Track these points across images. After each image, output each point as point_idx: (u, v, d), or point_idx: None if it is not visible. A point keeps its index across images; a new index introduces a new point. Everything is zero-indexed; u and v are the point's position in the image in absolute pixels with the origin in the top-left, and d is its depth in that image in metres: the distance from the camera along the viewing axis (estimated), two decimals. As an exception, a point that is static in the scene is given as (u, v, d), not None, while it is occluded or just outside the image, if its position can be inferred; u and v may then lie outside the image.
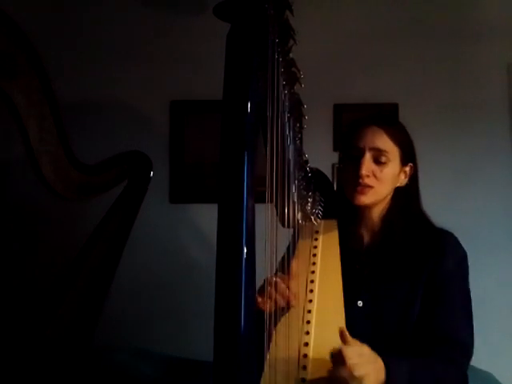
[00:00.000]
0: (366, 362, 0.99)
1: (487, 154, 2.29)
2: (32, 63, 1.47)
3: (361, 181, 1.26)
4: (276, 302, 1.11)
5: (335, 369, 0.97)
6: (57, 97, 1.55)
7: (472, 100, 2.30)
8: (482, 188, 2.28)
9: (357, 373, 0.96)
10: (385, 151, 1.27)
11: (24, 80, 1.47)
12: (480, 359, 1.93)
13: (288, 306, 1.16)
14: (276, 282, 1.12)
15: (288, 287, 1.14)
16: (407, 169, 1.32)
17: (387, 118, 1.36)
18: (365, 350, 1.01)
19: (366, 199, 1.28)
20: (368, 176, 1.26)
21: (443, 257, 1.23)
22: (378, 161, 1.27)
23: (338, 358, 0.97)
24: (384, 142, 1.27)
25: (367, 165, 1.26)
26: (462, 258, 1.27)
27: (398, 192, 1.33)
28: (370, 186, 1.27)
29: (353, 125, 1.36)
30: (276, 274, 1.12)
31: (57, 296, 1.64)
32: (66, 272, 1.68)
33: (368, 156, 1.27)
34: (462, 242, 1.29)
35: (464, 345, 1.19)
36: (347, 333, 1.00)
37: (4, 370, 1.47)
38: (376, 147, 1.27)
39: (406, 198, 1.33)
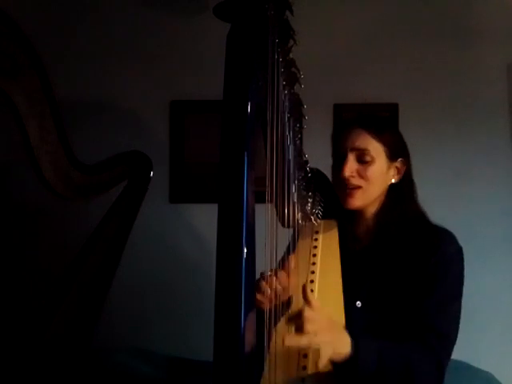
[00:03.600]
0: (323, 328, 0.99)
1: (487, 154, 2.29)
2: (32, 63, 1.47)
3: (346, 182, 1.27)
4: (271, 299, 1.11)
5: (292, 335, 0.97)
6: (57, 97, 1.55)
7: (472, 100, 2.30)
8: (481, 188, 2.28)
9: (311, 340, 0.96)
10: (366, 149, 1.27)
11: (24, 80, 1.46)
12: (480, 359, 1.95)
13: (288, 303, 1.16)
14: (267, 277, 1.12)
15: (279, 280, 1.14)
16: (397, 164, 1.31)
17: (370, 118, 1.35)
18: (324, 316, 1.01)
19: (355, 202, 1.28)
20: (353, 176, 1.27)
21: (436, 252, 1.23)
22: (361, 160, 1.27)
23: (296, 319, 0.97)
24: (364, 141, 1.27)
25: (350, 165, 1.27)
26: (454, 253, 1.26)
27: (392, 189, 1.32)
28: (358, 187, 1.27)
29: (336, 130, 1.38)
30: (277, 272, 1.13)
31: (57, 296, 1.64)
32: (66, 272, 1.68)
33: (351, 157, 1.27)
34: (461, 242, 1.28)
35: (442, 334, 1.18)
36: (310, 292, 1.01)
37: (4, 371, 1.47)
38: (356, 147, 1.27)
39: (399, 193, 1.32)
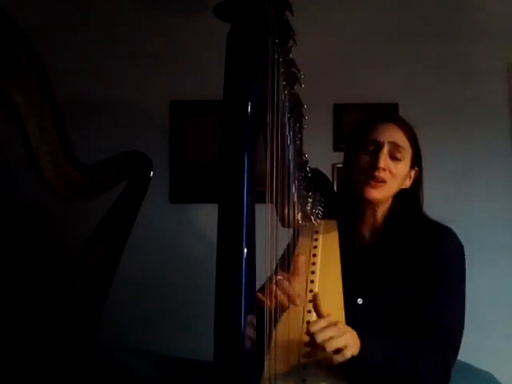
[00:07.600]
0: (341, 332, 1.01)
1: (487, 154, 2.29)
2: (32, 63, 1.47)
3: (377, 173, 1.26)
4: (278, 301, 1.10)
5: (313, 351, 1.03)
6: (57, 97, 1.55)
7: (472, 100, 2.30)
8: (481, 188, 2.28)
9: (333, 346, 0.99)
10: (401, 147, 1.29)
11: (24, 80, 1.47)
12: (480, 359, 1.95)
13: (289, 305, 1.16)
14: (279, 280, 1.11)
15: (291, 285, 1.14)
16: (413, 172, 1.34)
17: (403, 120, 1.37)
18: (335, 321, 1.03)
19: (377, 194, 1.29)
20: (384, 170, 1.27)
21: (437, 248, 1.24)
22: (393, 157, 1.28)
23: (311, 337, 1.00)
24: (402, 139, 1.30)
25: (385, 158, 1.27)
26: (456, 249, 1.27)
27: (401, 193, 1.34)
28: (384, 181, 1.28)
29: (369, 121, 1.37)
30: (277, 271, 1.12)
31: (57, 296, 1.64)
32: (66, 272, 1.68)
33: (385, 150, 1.28)
34: (462, 243, 1.29)
35: (447, 331, 1.18)
36: (319, 302, 1.04)
37: (4, 370, 1.47)
38: (395, 142, 1.29)
39: (408, 200, 1.34)
